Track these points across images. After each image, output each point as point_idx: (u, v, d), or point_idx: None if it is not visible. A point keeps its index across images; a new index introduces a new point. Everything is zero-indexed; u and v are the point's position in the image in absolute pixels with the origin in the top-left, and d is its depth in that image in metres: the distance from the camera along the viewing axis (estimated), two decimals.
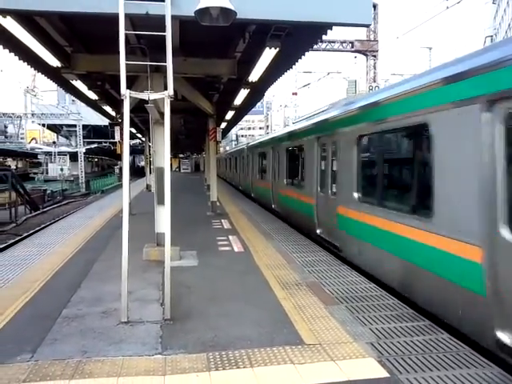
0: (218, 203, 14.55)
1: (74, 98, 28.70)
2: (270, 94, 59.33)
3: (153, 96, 5.36)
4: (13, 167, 49.36)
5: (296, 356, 4.06)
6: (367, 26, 6.12)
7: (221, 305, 5.49)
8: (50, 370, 3.80)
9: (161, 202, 7.60)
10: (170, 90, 5.02)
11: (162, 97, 5.20)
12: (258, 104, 26.81)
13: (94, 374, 3.76)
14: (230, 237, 9.94)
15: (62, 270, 7.12)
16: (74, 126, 47.92)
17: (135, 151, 56.44)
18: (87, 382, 3.64)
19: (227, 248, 8.86)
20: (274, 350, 4.18)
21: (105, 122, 33.74)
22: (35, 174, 52.11)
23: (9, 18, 5.33)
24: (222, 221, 12.43)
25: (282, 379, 3.68)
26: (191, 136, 27.95)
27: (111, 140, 47.14)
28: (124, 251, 4.90)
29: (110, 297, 5.67)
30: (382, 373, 3.76)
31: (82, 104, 21.36)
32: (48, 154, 51.99)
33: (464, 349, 4.21)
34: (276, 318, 5.00)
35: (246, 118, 38.94)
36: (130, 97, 5.14)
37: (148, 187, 22.86)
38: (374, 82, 25.73)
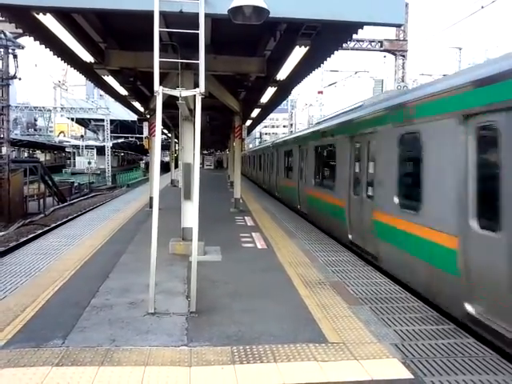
0: (240, 200, 14.63)
1: (102, 93, 29.32)
2: (296, 92, 59.05)
3: (184, 93, 5.45)
4: (41, 159, 50.74)
5: (319, 353, 4.09)
6: (399, 25, 6.07)
7: (244, 300, 5.55)
8: (80, 356, 3.94)
9: (187, 197, 7.72)
10: (202, 88, 5.08)
11: (194, 94, 5.29)
12: (283, 102, 26.74)
13: (122, 362, 3.87)
14: (253, 234, 9.99)
15: (90, 261, 7.32)
16: (102, 120, 48.91)
17: (161, 146, 57.08)
18: (116, 369, 3.75)
19: (250, 245, 8.92)
20: (298, 347, 4.21)
21: (132, 117, 34.31)
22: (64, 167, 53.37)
23: (48, 15, 5.51)
24: (245, 218, 12.50)
25: (305, 375, 3.71)
26: (215, 133, 28.21)
27: (137, 135, 48.01)
28: (153, 245, 5.00)
29: (137, 288, 5.80)
30: (406, 374, 3.76)
31: (110, 99, 21.83)
32: (76, 147, 53.23)
33: (491, 354, 4.15)
34: (299, 316, 5.03)
35: (271, 116, 38.86)
36: (162, 93, 5.23)
37: (173, 182, 23.15)
38: (403, 81, 25.34)
